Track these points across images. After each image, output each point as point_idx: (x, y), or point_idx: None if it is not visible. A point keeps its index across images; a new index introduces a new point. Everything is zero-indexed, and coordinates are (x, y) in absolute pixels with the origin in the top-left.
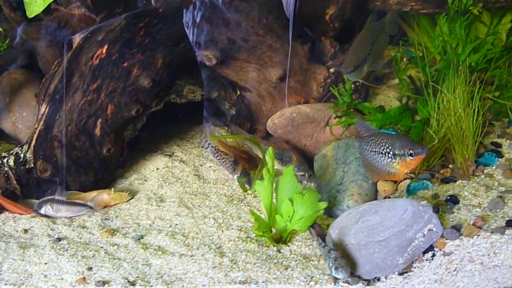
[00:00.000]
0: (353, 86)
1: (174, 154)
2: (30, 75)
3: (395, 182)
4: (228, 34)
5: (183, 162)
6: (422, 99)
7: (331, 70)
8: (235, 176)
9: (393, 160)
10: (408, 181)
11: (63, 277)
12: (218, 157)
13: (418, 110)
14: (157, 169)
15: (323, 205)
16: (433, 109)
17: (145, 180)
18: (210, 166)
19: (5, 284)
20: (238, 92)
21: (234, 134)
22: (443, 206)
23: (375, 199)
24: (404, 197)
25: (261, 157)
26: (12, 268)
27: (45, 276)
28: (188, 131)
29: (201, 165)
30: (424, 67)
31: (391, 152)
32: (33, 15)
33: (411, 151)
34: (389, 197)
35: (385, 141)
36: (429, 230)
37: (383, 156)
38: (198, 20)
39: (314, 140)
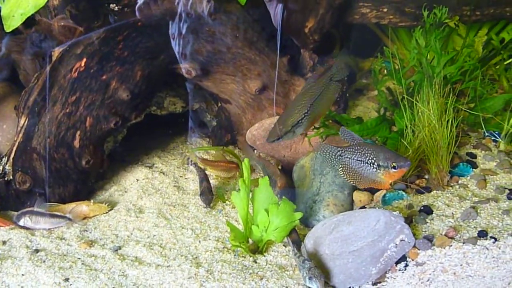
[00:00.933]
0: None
1: (155, 165)
2: (11, 88)
3: (380, 189)
4: (208, 47)
5: (163, 173)
6: (399, 110)
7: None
8: (199, 192)
9: (378, 170)
10: (383, 191)
11: None
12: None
13: (395, 121)
14: (137, 180)
15: (298, 215)
16: (409, 120)
17: (125, 192)
18: (189, 178)
19: None
20: (219, 104)
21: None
22: (417, 216)
23: (351, 209)
24: (378, 207)
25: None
26: None
27: (22, 287)
28: (169, 143)
29: (180, 176)
30: (400, 79)
31: (375, 163)
32: (10, 29)
33: (394, 164)
34: (364, 207)
35: (370, 151)
36: (401, 240)
37: (368, 166)
38: (180, 32)
39: (293, 151)
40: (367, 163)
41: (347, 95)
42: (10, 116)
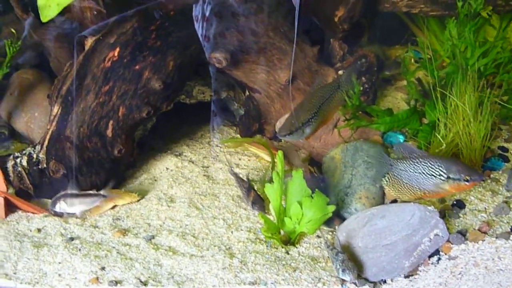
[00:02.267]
0: (361, 88)
1: (183, 154)
2: (41, 75)
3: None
4: (239, 36)
5: (192, 162)
6: (430, 102)
7: (340, 72)
8: (249, 203)
9: (445, 182)
10: None
11: (77, 277)
12: (237, 182)
13: (426, 113)
14: (167, 169)
15: (331, 208)
16: (441, 113)
17: (155, 180)
18: (218, 167)
19: (21, 283)
20: (247, 93)
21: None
22: (450, 211)
23: (382, 202)
24: (412, 202)
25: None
26: (27, 267)
27: (59, 275)
28: (197, 131)
29: (209, 166)
30: (432, 70)
31: (444, 175)
32: (47, 20)
33: (467, 177)
34: (395, 201)
35: (438, 164)
36: (436, 235)
37: (433, 178)
38: (209, 21)
39: (323, 142)
40: (432, 175)
41: (376, 85)
42: (42, 104)
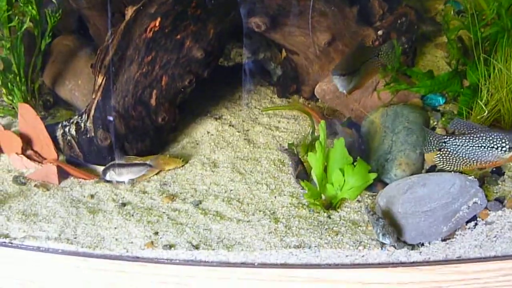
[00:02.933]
0: (401, 48)
1: (223, 117)
2: (80, 42)
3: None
4: (278, 0)
5: (232, 126)
6: (472, 63)
7: (379, 32)
8: (294, 175)
9: (507, 152)
10: None
11: (133, 241)
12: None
13: (467, 75)
14: (208, 132)
15: (373, 176)
16: (483, 77)
17: (197, 144)
18: (258, 130)
19: (82, 247)
20: (285, 54)
21: None
22: (489, 177)
23: (422, 168)
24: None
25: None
26: (85, 232)
27: (116, 239)
28: (235, 92)
29: (249, 130)
30: (476, 32)
31: (506, 147)
32: None
33: None
34: (435, 166)
35: (500, 136)
36: (474, 203)
37: (493, 150)
38: None
39: (362, 104)
40: (493, 147)
41: (416, 44)
42: (84, 71)
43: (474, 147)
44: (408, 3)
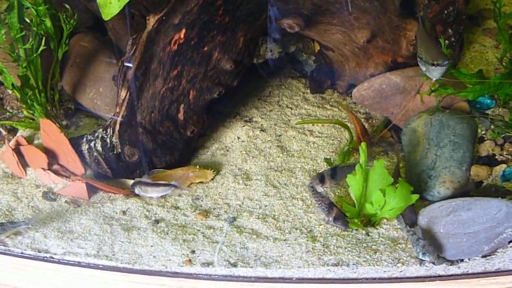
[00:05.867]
0: (447, 42)
1: (253, 119)
2: (99, 42)
3: None
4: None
5: (264, 130)
6: None
7: None
8: (330, 219)
9: None
10: (503, 165)
11: (171, 259)
12: (316, 199)
13: None
14: (238, 138)
15: (415, 197)
16: None
17: (227, 151)
18: (292, 135)
19: (121, 263)
20: (320, 49)
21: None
22: None
23: (466, 184)
24: (499, 182)
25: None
26: (123, 249)
27: (154, 257)
28: (265, 87)
29: (282, 135)
30: None
31: None
32: (109, 17)
33: None
34: (482, 182)
35: None
36: None
37: None
38: None
39: (403, 108)
40: None
41: (463, 36)
42: (104, 77)
43: None
44: None
